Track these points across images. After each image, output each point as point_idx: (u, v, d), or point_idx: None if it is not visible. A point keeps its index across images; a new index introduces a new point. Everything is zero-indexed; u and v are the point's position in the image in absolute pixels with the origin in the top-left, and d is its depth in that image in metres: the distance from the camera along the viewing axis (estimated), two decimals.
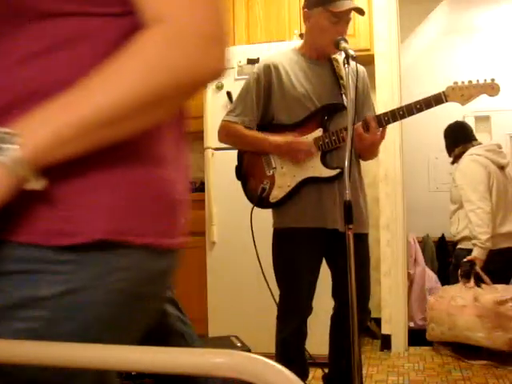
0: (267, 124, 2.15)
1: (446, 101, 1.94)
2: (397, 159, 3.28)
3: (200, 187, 3.69)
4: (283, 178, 2.09)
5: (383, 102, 3.26)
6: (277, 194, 2.10)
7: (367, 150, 2.13)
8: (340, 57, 2.18)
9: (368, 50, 3.32)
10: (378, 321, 3.45)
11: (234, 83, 3.02)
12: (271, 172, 2.12)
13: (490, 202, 3.15)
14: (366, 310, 2.20)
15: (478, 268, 3.07)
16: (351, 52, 1.94)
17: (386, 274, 3.30)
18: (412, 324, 3.80)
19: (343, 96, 2.10)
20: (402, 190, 3.31)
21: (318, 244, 2.10)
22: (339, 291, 2.15)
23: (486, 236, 3.07)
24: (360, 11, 2.03)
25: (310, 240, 2.08)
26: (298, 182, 2.07)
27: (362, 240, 2.06)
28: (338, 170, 2.05)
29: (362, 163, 2.25)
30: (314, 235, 2.07)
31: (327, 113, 2.09)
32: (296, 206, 2.08)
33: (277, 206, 2.11)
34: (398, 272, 3.29)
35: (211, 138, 3.10)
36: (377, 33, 3.32)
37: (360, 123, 2.01)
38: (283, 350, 2.16)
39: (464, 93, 1.93)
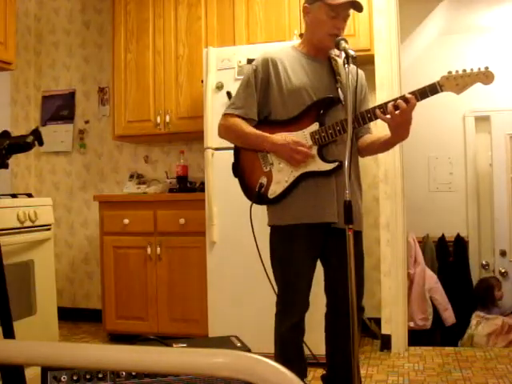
0: (263, 120, 2.15)
1: (441, 90, 1.92)
2: (397, 159, 3.27)
3: (200, 187, 3.69)
4: (281, 174, 2.09)
5: (383, 101, 3.24)
6: (275, 189, 2.10)
7: (395, 130, 2.06)
8: (339, 58, 2.19)
9: (368, 50, 3.31)
10: (378, 321, 3.45)
11: (233, 83, 3.02)
12: (268, 168, 2.12)
13: None
14: (360, 306, 2.21)
15: None
16: (351, 52, 1.93)
17: (386, 274, 3.30)
18: (412, 324, 3.80)
19: (339, 90, 2.10)
20: (402, 190, 3.31)
21: (315, 240, 2.11)
22: (332, 289, 2.17)
23: None
24: (358, 7, 2.03)
25: (307, 237, 2.08)
26: (295, 178, 2.07)
27: (357, 237, 2.06)
28: (335, 164, 2.04)
29: (362, 163, 2.24)
30: (312, 232, 2.07)
31: (323, 107, 2.08)
32: (294, 203, 2.08)
33: (275, 202, 2.11)
34: (398, 272, 3.28)
35: (211, 137, 3.10)
36: (377, 33, 3.32)
37: (391, 103, 1.99)
38: (282, 345, 2.16)
39: (458, 82, 1.90)
